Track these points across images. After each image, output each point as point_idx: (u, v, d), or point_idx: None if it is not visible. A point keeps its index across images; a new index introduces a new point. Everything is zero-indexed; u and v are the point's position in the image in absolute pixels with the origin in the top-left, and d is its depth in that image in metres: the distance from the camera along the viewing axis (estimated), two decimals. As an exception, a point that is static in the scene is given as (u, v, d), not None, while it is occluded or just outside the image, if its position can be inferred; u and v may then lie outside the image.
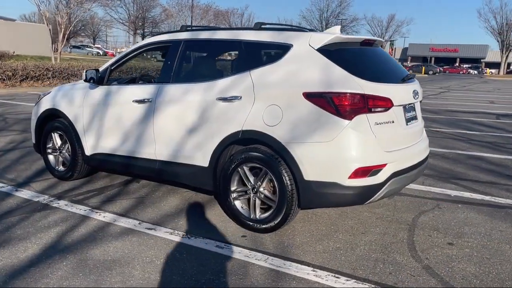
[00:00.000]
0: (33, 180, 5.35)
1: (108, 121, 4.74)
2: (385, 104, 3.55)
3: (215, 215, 4.32)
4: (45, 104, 5.33)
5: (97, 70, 4.80)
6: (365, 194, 3.50)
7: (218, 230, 3.93)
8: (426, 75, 56.80)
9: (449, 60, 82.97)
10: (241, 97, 3.83)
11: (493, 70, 76.63)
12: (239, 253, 3.48)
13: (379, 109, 3.52)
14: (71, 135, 5.08)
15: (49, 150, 5.41)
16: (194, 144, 4.13)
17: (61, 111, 5.13)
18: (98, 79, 4.79)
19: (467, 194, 5.17)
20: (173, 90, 4.27)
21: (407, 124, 3.88)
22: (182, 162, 4.25)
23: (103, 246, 3.57)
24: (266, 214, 3.80)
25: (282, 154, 3.61)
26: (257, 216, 3.85)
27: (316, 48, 3.65)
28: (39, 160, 6.26)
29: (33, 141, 5.62)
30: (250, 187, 3.87)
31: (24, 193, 4.82)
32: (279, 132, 3.60)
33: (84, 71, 4.80)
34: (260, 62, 3.91)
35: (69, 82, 19.10)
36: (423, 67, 62.85)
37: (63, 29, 24.18)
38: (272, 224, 3.75)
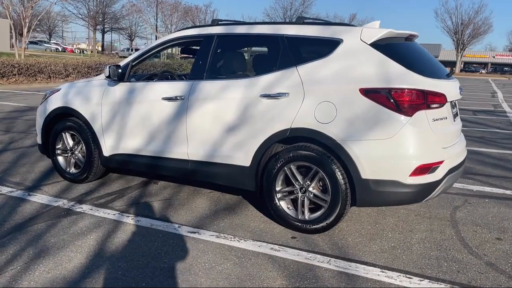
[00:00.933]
0: (42, 183, 5.01)
1: (132, 120, 4.49)
2: (441, 100, 3.52)
3: (254, 216, 4.17)
4: (55, 103, 5.00)
5: (118, 66, 4.54)
6: (424, 192, 3.46)
7: (265, 232, 3.79)
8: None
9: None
10: (288, 94, 3.70)
11: (447, 69, 79.31)
12: (297, 255, 3.35)
13: (435, 105, 3.49)
14: (86, 135, 4.79)
15: (59, 151, 5.08)
16: (234, 143, 3.96)
17: (75, 110, 4.82)
18: (119, 75, 4.52)
19: (487, 189, 5.26)
20: (209, 87, 4.09)
21: (454, 121, 3.87)
22: (220, 162, 4.07)
23: (151, 252, 3.36)
24: (317, 214, 3.69)
25: (336, 152, 3.51)
26: (306, 217, 3.73)
27: (369, 43, 3.57)
28: (39, 161, 5.91)
29: (39, 142, 5.27)
30: (298, 186, 3.74)
31: (39, 198, 4.50)
32: (333, 130, 3.50)
33: (108, 66, 4.52)
34: (307, 57, 3.79)
35: (36, 79, 18.26)
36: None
37: (27, 23, 23.03)
38: (323, 224, 3.65)
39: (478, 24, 67.44)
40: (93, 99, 4.74)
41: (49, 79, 18.53)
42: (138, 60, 4.66)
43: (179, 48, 7.44)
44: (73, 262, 3.16)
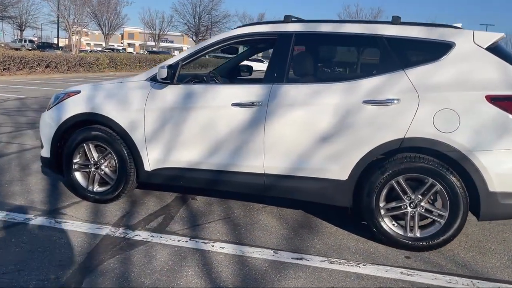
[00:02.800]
0: (58, 205, 4.13)
1: (190, 128, 3.85)
2: None
3: (340, 234, 3.79)
4: (75, 108, 4.14)
5: (169, 66, 3.85)
6: None
7: (372, 253, 3.43)
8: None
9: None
10: (399, 100, 3.38)
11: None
12: (436, 279, 3.05)
13: None
14: (120, 146, 4.02)
15: (76, 166, 4.22)
16: (328, 154, 3.54)
17: (107, 117, 4.03)
18: (171, 77, 3.85)
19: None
20: (296, 91, 3.61)
21: None
22: (307, 176, 3.63)
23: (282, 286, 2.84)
24: (430, 230, 3.42)
25: (460, 164, 3.26)
26: (417, 234, 3.44)
27: (485, 47, 3.37)
28: (28, 176, 4.92)
29: (45, 155, 4.34)
30: (407, 201, 3.44)
31: (73, 225, 3.68)
32: (457, 139, 3.25)
33: (165, 66, 3.79)
34: (415, 60, 3.50)
35: None
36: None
37: None
38: (439, 240, 3.39)
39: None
40: (133, 104, 3.98)
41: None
42: (190, 59, 4.02)
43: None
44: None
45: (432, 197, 3.44)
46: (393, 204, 3.48)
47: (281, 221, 4.01)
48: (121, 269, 2.98)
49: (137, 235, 3.56)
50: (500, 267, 3.30)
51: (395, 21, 3.61)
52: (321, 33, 3.73)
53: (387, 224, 3.49)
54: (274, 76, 3.71)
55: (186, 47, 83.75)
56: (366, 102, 3.43)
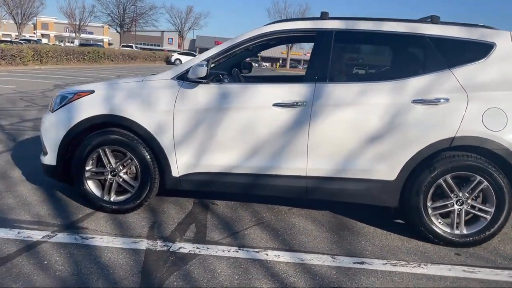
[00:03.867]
0: (72, 219, 3.71)
1: (226, 130, 3.61)
2: None
3: (381, 234, 3.77)
4: (90, 109, 3.73)
5: (200, 64, 3.59)
6: None
7: (424, 252, 3.45)
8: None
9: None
10: (448, 99, 3.41)
11: (267, 64, 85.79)
12: (497, 275, 3.13)
13: None
14: (143, 150, 3.69)
15: (88, 174, 3.82)
16: (375, 155, 3.50)
17: (129, 119, 3.67)
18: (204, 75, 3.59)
19: None
20: (342, 91, 3.52)
21: None
22: (352, 177, 3.56)
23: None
24: (477, 226, 3.50)
25: (508, 161, 3.37)
26: (464, 231, 3.52)
27: (525, 47, 3.50)
28: (20, 187, 4.40)
29: (51, 162, 3.88)
30: (454, 199, 3.49)
31: (102, 240, 3.32)
32: (505, 138, 3.35)
33: (204, 64, 3.50)
34: (459, 60, 3.53)
35: None
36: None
37: None
38: (485, 235, 3.49)
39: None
40: (160, 105, 3.66)
41: None
42: (222, 57, 3.77)
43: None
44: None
45: (477, 194, 3.51)
46: (440, 203, 3.52)
47: (316, 224, 3.91)
48: (184, 283, 2.72)
49: (181, 247, 3.28)
50: (541, 258, 3.46)
51: (435, 20, 3.63)
52: (362, 31, 3.66)
53: (434, 223, 3.53)
54: (317, 75, 3.58)
55: (107, 38, 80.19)
56: (415, 101, 3.42)
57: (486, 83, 3.42)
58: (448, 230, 3.52)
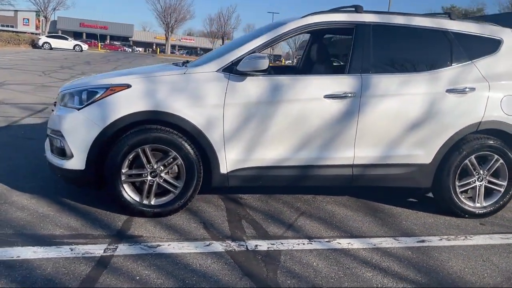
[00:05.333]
0: (115, 227, 3.37)
1: (277, 123, 3.59)
2: None
3: (410, 214, 4.11)
4: (131, 106, 3.39)
5: (257, 57, 3.51)
6: None
7: (457, 226, 3.86)
8: (104, 51, 55.42)
9: (101, 37, 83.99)
10: (474, 88, 3.84)
11: (140, 49, 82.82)
12: (526, 238, 3.67)
13: None
14: (188, 148, 3.50)
15: (124, 177, 3.50)
16: (415, 141, 3.80)
17: (176, 115, 3.43)
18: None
19: None
20: (386, 81, 3.73)
21: None
22: (394, 163, 3.82)
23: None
24: (492, 198, 4.02)
25: None
26: (483, 203, 4.02)
27: (522, 42, 4.08)
28: (22, 200, 3.85)
29: (78, 167, 3.45)
30: (476, 177, 3.97)
31: (172, 247, 3.11)
32: None
33: (265, 56, 3.38)
34: (477, 53, 3.95)
35: None
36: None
37: None
38: (500, 205, 4.03)
39: (183, 10, 73.51)
40: (208, 100, 3.48)
41: None
42: (265, 48, 3.70)
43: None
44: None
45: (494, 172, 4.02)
46: (465, 180, 3.96)
47: (349, 209, 4.10)
48: (308, 285, 2.73)
49: (256, 245, 3.22)
50: (539, 220, 4.12)
51: (453, 17, 4.02)
52: (397, 25, 3.89)
53: (461, 199, 3.97)
54: (361, 67, 3.73)
55: None
56: (448, 91, 3.78)
57: (501, 73, 3.91)
58: (471, 204, 3.99)
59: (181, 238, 3.25)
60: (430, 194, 4.20)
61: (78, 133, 3.40)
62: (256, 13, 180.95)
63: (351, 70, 3.74)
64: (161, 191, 3.58)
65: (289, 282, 2.74)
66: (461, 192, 3.98)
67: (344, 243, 3.36)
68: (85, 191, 3.92)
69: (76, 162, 3.43)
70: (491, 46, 3.99)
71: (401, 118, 3.73)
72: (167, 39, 73.88)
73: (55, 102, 3.92)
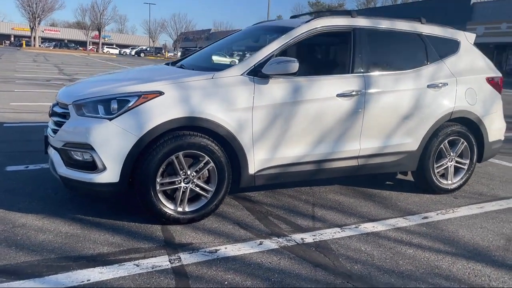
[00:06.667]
0: (157, 239, 3.33)
1: (298, 122, 3.82)
2: None
3: (401, 195, 4.65)
4: (167, 113, 3.33)
5: (282, 60, 3.69)
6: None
7: (440, 201, 4.50)
8: None
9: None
10: (447, 84, 4.50)
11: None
12: (494, 206, 4.44)
13: None
14: (219, 152, 3.58)
15: (158, 187, 3.45)
16: (405, 131, 4.33)
17: (211, 120, 3.47)
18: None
19: None
20: (384, 80, 4.18)
21: None
22: (389, 152, 4.31)
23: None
24: (458, 177, 4.76)
25: (478, 125, 4.70)
26: (453, 182, 4.73)
27: (472, 43, 4.86)
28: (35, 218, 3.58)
29: (112, 179, 3.30)
30: (447, 158, 4.67)
31: (237, 249, 3.22)
32: (477, 109, 4.65)
33: (295, 60, 3.52)
34: (444, 53, 4.60)
35: None
36: None
37: None
38: (459, 184, 4.78)
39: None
40: (238, 104, 3.58)
41: None
42: (282, 52, 3.89)
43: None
44: None
45: (457, 153, 4.74)
46: (440, 162, 4.62)
47: (348, 197, 4.50)
48: (373, 267, 3.06)
49: (302, 238, 3.44)
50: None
51: (422, 21, 4.62)
52: (382, 29, 4.34)
53: (438, 178, 4.62)
54: (361, 67, 4.12)
55: None
56: (429, 86, 4.38)
57: (463, 69, 4.63)
58: (444, 181, 4.68)
59: (230, 241, 3.33)
60: (400, 176, 4.81)
61: (112, 144, 3.25)
62: (131, 4, 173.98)
63: (354, 70, 4.10)
64: (191, 197, 3.58)
65: (356, 267, 3.02)
66: (437, 173, 4.62)
67: (369, 227, 3.74)
68: (87, 202, 3.77)
69: (110, 175, 3.28)
70: (453, 46, 4.69)
71: (396, 111, 4.22)
72: (32, 30, 67.11)
73: (50, 112, 3.66)
